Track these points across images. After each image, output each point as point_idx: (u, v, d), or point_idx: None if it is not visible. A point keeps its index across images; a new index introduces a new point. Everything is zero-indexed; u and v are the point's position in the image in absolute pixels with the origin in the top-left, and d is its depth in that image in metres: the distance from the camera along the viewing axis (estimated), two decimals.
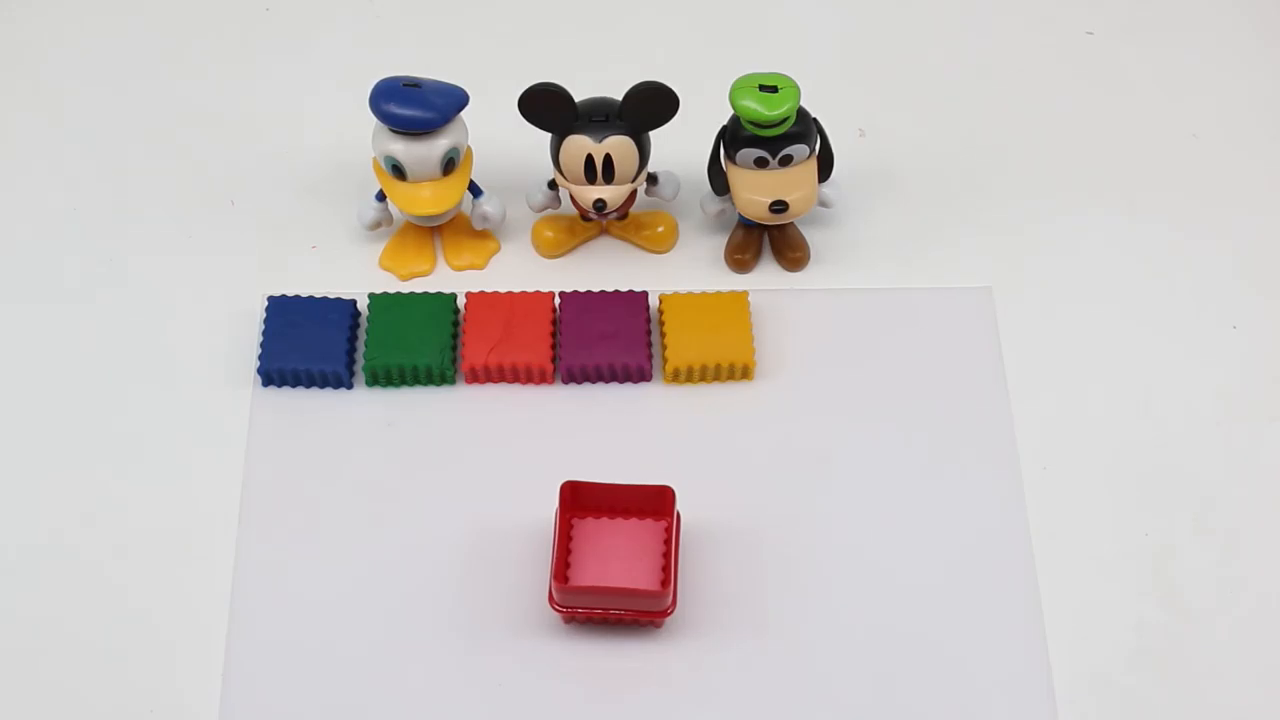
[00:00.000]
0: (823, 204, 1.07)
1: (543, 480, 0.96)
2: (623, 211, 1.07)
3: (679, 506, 0.95)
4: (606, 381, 1.04)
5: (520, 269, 1.09)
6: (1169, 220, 1.11)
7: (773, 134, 1.01)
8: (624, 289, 1.05)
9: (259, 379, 1.03)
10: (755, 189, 1.03)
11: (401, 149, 1.02)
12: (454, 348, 1.03)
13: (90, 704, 0.93)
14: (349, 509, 0.99)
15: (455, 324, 1.04)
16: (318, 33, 1.21)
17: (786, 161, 1.03)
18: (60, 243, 1.10)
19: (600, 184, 1.03)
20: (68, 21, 1.21)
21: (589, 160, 1.02)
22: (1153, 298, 1.08)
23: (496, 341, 1.03)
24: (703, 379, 1.03)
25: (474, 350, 1.02)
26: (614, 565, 0.95)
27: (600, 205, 1.03)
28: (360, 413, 1.02)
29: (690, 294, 1.05)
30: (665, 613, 0.93)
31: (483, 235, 1.09)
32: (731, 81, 1.01)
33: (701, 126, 1.04)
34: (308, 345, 1.02)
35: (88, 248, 1.10)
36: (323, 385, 1.03)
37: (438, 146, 1.02)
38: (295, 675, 0.94)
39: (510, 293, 1.05)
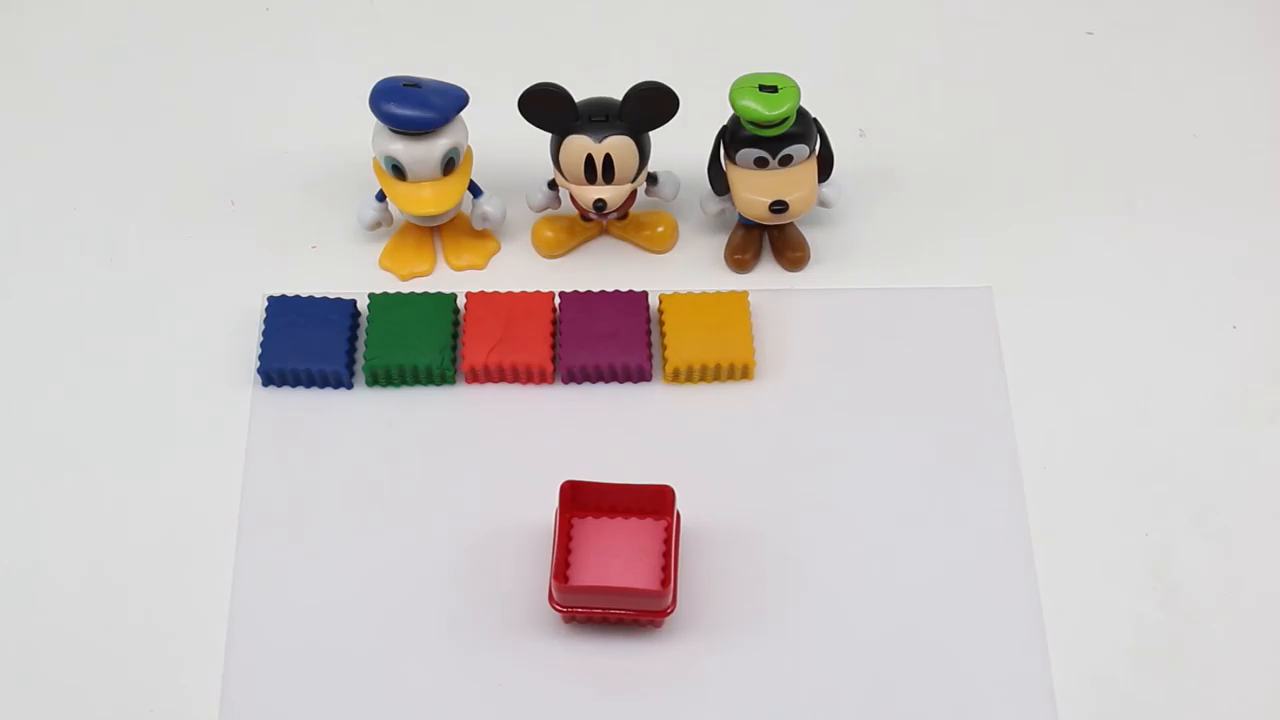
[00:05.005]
0: (823, 204, 1.07)
1: (543, 480, 0.96)
2: (623, 211, 1.07)
3: (679, 506, 0.95)
4: (606, 381, 1.04)
5: (520, 269, 1.09)
6: (1169, 220, 1.11)
7: (773, 134, 1.01)
8: (624, 289, 1.05)
9: (259, 379, 1.03)
10: (755, 189, 1.03)
11: (401, 149, 1.02)
12: (454, 348, 1.03)
13: (90, 704, 0.93)
14: (349, 509, 0.99)
15: (455, 324, 1.04)
16: (318, 32, 1.21)
17: (786, 161, 1.03)
18: (60, 242, 1.10)
19: (600, 184, 1.03)
20: (67, 21, 1.21)
21: (589, 160, 1.02)
22: (1153, 298, 1.08)
23: (496, 341, 1.03)
24: (703, 379, 1.03)
25: (474, 350, 1.02)
26: (614, 565, 0.95)
27: (600, 205, 1.03)
28: (360, 413, 1.02)
29: (690, 294, 1.05)
30: (665, 612, 0.93)
31: (483, 235, 1.10)
32: (731, 81, 1.01)
33: (701, 126, 1.04)
34: (308, 345, 1.02)
35: (87, 247, 1.10)
36: (323, 385, 1.03)
37: (438, 146, 1.02)
38: (295, 675, 0.94)
39: (510, 293, 1.05)
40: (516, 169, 1.09)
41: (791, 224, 1.08)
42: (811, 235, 1.09)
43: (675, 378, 1.03)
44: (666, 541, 0.95)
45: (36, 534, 0.98)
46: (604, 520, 0.97)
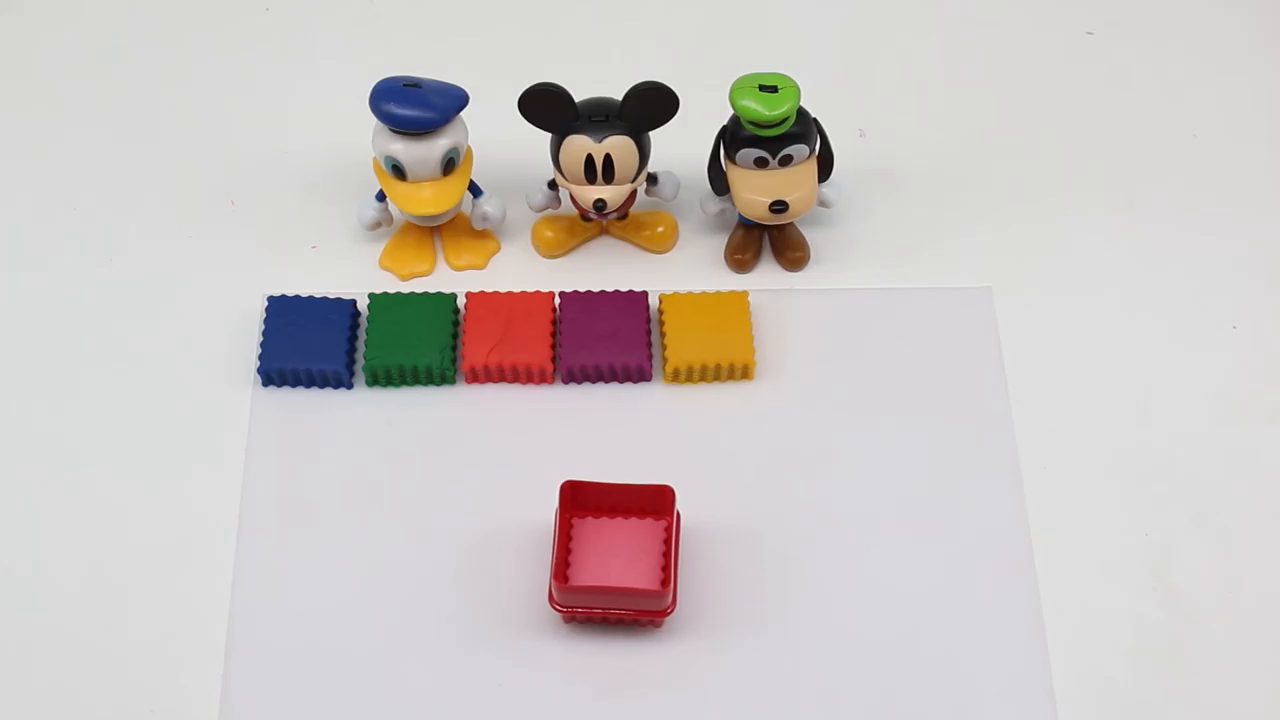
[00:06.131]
0: (823, 204, 1.07)
1: (543, 480, 0.96)
2: (623, 211, 1.07)
3: (679, 506, 0.95)
4: (606, 381, 1.04)
5: (520, 269, 1.09)
6: (1169, 220, 1.11)
7: (773, 134, 1.01)
8: (624, 289, 1.05)
9: (259, 379, 1.03)
10: (755, 189, 1.03)
11: (401, 149, 1.02)
12: (454, 348, 1.03)
13: (90, 704, 0.93)
14: (349, 509, 0.99)
15: (455, 324, 1.04)
16: (318, 32, 1.21)
17: (786, 161, 1.03)
18: (60, 242, 1.10)
19: (600, 184, 1.03)
20: (67, 21, 1.21)
21: (589, 160, 1.02)
22: (1153, 298, 1.08)
23: (496, 341, 1.03)
24: (703, 379, 1.03)
25: (474, 350, 1.02)
26: (614, 565, 0.95)
27: (600, 205, 1.03)
28: (360, 413, 1.02)
29: (690, 294, 1.05)
30: (665, 612, 0.93)
31: (483, 235, 1.10)
32: (731, 81, 1.01)
33: (701, 126, 1.04)
34: (308, 345, 1.02)
35: (87, 248, 1.10)
36: (323, 385, 1.03)
37: (438, 146, 1.02)
38: (295, 675, 0.94)
39: (510, 293, 1.05)
40: (516, 169, 1.09)
41: (791, 224, 1.08)
42: (811, 235, 1.09)
43: (675, 378, 1.03)
44: (666, 541, 0.95)
45: (36, 534, 0.98)
46: (604, 520, 0.97)
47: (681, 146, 1.05)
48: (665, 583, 0.93)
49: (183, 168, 1.14)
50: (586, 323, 1.03)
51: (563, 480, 0.94)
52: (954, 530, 0.98)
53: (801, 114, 1.02)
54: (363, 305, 1.06)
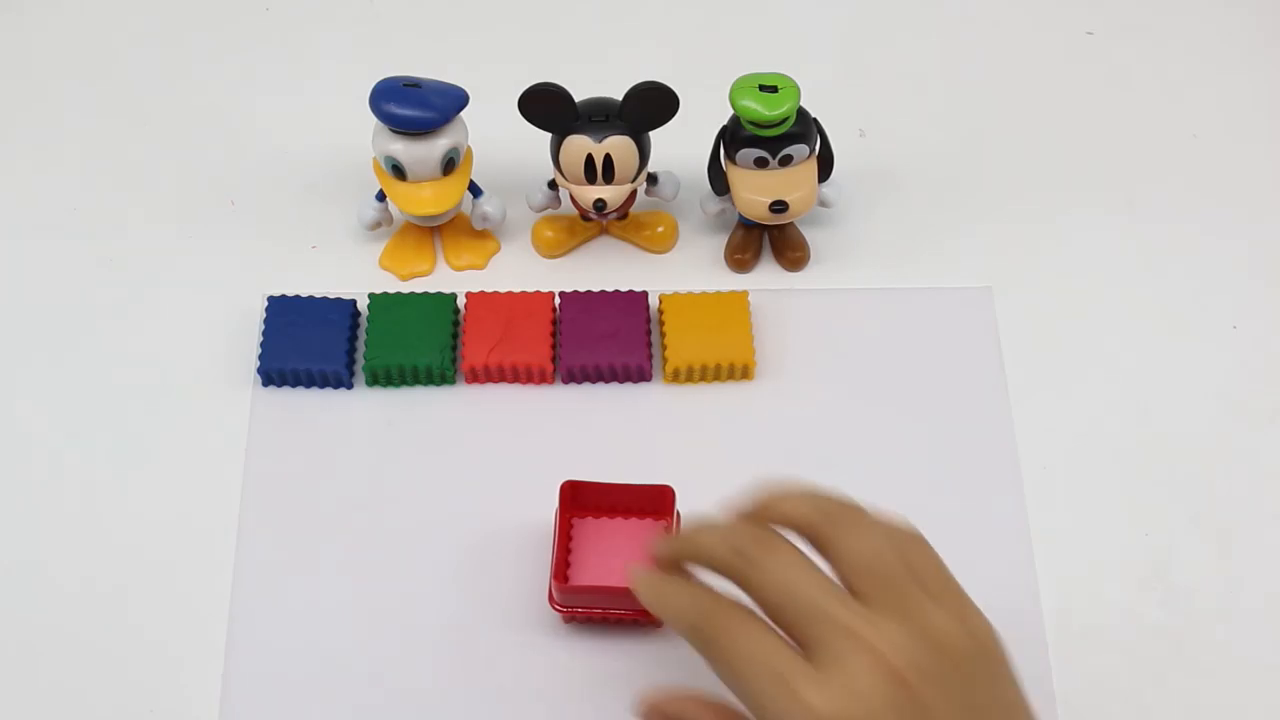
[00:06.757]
0: (823, 204, 1.07)
1: (543, 480, 0.96)
2: (623, 211, 1.07)
3: (679, 506, 0.95)
4: (606, 381, 1.04)
5: (520, 269, 1.09)
6: (1169, 220, 1.11)
7: (773, 134, 1.01)
8: (624, 289, 1.05)
9: (259, 379, 1.03)
10: (755, 189, 1.03)
11: (401, 149, 1.02)
12: (454, 348, 1.03)
13: (90, 704, 0.93)
14: (349, 509, 0.99)
15: (455, 324, 1.04)
16: (318, 32, 1.21)
17: (786, 161, 1.03)
18: (60, 243, 1.10)
19: (600, 184, 1.03)
20: (68, 21, 1.21)
21: (589, 160, 1.02)
22: (1153, 298, 1.08)
23: (496, 341, 1.03)
24: (703, 379, 1.03)
25: (474, 350, 1.02)
26: (614, 565, 0.95)
27: (600, 205, 1.03)
28: (360, 413, 1.02)
29: (690, 294, 1.05)
30: None
31: (483, 235, 1.10)
32: (731, 81, 1.01)
33: (701, 126, 1.04)
34: (308, 345, 1.02)
35: (87, 248, 1.10)
36: (323, 385, 1.03)
37: (438, 146, 1.02)
38: (295, 675, 0.94)
39: (510, 293, 1.05)
40: (516, 169, 1.09)
41: (791, 224, 1.08)
42: (811, 235, 1.09)
43: (675, 378, 1.03)
44: None
45: (36, 534, 0.98)
46: (604, 520, 0.97)
47: (681, 146, 1.05)
48: None
49: (183, 168, 1.14)
50: (586, 323, 1.03)
51: (563, 480, 0.94)
52: (954, 530, 0.97)
53: (801, 114, 1.02)
54: (363, 305, 1.06)
